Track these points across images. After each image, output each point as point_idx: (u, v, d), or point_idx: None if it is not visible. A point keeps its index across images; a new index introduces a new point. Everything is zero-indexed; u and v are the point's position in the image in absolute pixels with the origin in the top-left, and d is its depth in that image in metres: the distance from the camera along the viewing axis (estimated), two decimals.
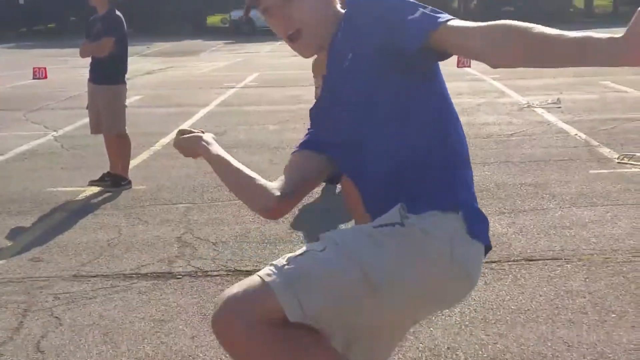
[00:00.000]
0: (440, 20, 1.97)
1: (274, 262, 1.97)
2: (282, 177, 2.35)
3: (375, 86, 2.11)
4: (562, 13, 52.71)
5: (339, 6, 2.23)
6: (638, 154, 8.08)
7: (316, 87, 7.20)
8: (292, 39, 2.18)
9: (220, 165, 2.37)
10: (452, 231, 2.01)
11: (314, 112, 2.43)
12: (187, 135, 2.43)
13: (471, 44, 1.93)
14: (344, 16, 2.20)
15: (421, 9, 2.02)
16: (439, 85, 2.19)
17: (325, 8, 2.19)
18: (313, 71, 7.26)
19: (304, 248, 2.04)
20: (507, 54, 1.85)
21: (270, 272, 1.93)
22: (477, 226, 2.07)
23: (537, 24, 1.81)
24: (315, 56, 2.45)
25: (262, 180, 2.33)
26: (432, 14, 2.01)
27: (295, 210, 6.50)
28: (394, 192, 2.09)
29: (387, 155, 2.12)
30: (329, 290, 1.90)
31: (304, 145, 2.37)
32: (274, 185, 2.31)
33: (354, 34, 2.14)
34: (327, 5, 2.21)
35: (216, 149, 2.39)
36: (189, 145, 2.41)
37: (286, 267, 1.93)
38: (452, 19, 1.98)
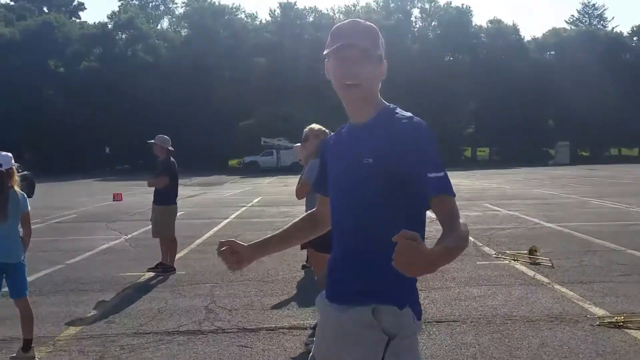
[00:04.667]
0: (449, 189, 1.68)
1: None
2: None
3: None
4: (457, 160, 54.06)
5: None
6: (508, 252, 8.14)
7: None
8: (350, 87, 1.66)
9: (275, 245, 2.05)
10: (411, 325, 1.76)
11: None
12: (228, 254, 2.05)
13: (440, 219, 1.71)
14: (381, 111, 1.72)
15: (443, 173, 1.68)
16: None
17: (378, 82, 1.72)
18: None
19: None
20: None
21: None
22: (418, 311, 1.81)
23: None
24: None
25: (300, 221, 2.06)
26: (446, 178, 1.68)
27: (285, 287, 6.46)
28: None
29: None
30: None
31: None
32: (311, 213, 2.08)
33: (386, 142, 1.66)
34: (379, 82, 1.73)
35: (255, 244, 2.03)
36: (233, 260, 2.02)
37: None
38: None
